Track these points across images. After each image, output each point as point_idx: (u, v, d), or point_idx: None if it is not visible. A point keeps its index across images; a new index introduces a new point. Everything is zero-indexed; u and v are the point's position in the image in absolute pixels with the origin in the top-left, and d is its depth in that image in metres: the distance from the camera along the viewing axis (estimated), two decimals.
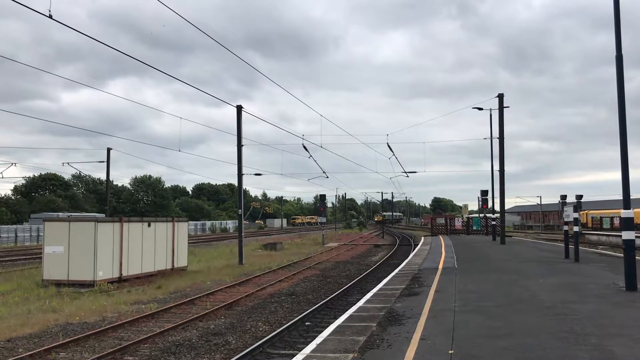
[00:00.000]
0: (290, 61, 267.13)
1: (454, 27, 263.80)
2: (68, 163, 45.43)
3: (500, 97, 32.50)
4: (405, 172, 42.37)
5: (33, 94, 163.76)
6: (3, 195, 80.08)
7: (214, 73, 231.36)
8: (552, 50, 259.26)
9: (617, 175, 12.68)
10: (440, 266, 19.01)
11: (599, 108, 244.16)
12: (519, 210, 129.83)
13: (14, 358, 10.15)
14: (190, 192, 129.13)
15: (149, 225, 23.94)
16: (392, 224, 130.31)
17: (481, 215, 53.56)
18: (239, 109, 30.93)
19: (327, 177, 41.90)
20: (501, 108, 32.60)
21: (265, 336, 11.70)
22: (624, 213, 12.26)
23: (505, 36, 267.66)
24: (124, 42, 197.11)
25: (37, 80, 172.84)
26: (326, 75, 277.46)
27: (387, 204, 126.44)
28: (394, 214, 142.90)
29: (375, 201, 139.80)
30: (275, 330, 12.23)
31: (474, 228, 50.20)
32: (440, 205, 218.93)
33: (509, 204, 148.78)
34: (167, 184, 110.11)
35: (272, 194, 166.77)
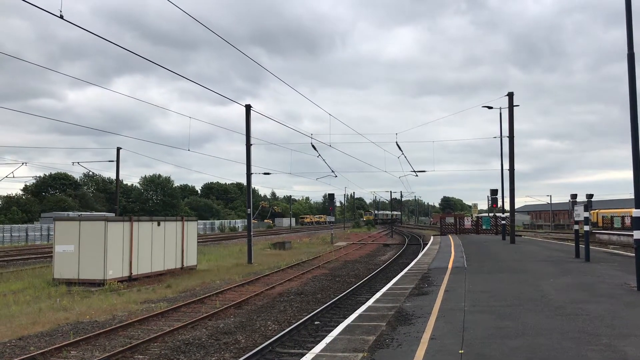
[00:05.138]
0: (296, 58, 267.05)
1: (463, 23, 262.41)
2: (78, 162, 45.81)
3: (510, 95, 32.34)
4: (415, 171, 42.15)
5: (39, 93, 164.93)
6: (14, 194, 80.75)
7: (220, 71, 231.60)
8: (564, 46, 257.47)
9: (629, 174, 12.60)
10: (450, 266, 18.94)
11: (611, 106, 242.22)
12: (528, 210, 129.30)
13: (25, 356, 10.24)
14: (199, 192, 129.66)
15: (159, 225, 24.06)
16: (396, 223, 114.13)
17: (491, 214, 53.31)
18: (248, 108, 30.91)
19: (336, 176, 41.87)
20: (511, 107, 32.45)
21: (275, 335, 11.72)
22: (635, 212, 12.16)
23: (515, 32, 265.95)
24: (128, 39, 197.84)
25: (43, 79, 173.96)
26: (333, 72, 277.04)
27: (397, 203, 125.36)
28: (390, 212, 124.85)
29: (384, 200, 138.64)
30: (284, 330, 12.24)
31: (484, 227, 49.98)
32: (450, 205, 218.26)
33: (519, 203, 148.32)
34: (176, 183, 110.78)
35: (280, 193, 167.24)
